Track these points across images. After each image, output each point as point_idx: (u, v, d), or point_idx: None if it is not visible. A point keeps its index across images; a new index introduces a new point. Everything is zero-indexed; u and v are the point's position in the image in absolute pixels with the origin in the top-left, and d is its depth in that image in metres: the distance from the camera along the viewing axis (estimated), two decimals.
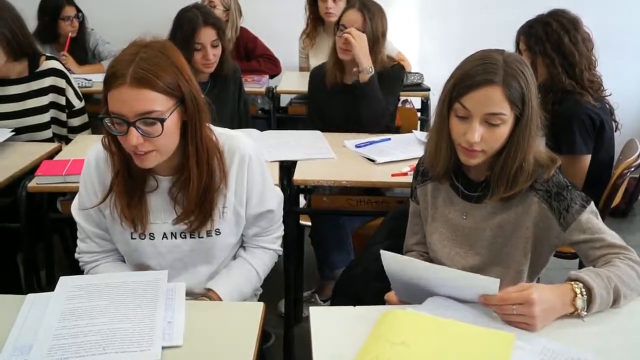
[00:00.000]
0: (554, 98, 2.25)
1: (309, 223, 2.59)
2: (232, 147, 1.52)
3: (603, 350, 1.16)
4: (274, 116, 3.39)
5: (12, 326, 1.24)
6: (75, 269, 1.66)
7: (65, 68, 2.60)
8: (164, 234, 1.54)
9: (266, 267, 1.68)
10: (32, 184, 2.02)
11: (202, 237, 1.55)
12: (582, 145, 2.21)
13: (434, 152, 1.50)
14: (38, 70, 2.46)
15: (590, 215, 1.39)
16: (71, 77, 2.58)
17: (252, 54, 3.72)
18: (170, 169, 1.49)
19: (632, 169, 2.18)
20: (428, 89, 3.37)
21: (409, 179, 1.85)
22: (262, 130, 2.62)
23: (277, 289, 2.33)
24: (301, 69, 3.83)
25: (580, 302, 1.23)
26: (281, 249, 1.73)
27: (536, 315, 1.19)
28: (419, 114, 3.36)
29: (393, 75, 2.58)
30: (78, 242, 1.62)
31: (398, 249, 1.70)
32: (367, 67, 2.45)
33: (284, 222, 1.74)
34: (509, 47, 2.21)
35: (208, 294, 1.55)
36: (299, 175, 2.12)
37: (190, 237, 1.55)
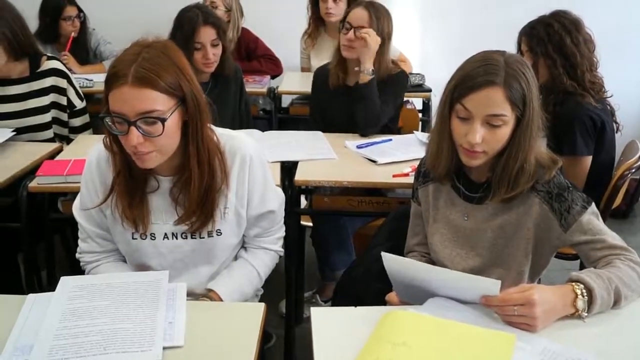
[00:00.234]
0: (555, 99, 2.25)
1: (310, 224, 2.59)
2: (233, 148, 1.52)
3: (603, 351, 1.16)
4: (275, 117, 3.39)
5: (13, 326, 1.24)
6: (76, 269, 1.66)
7: (67, 68, 2.60)
8: (165, 234, 1.54)
9: (267, 267, 1.68)
10: (33, 184, 2.02)
11: (203, 238, 1.55)
12: (583, 146, 2.21)
13: (436, 153, 1.50)
14: (39, 70, 2.47)
15: (591, 217, 1.39)
16: (72, 77, 2.58)
17: (253, 54, 3.72)
18: (171, 170, 1.49)
19: (633, 170, 2.18)
20: (429, 90, 3.37)
21: (410, 179, 1.85)
22: (263, 130, 2.62)
23: (278, 290, 2.33)
24: (302, 70, 3.83)
25: (581, 303, 1.23)
26: (282, 249, 1.73)
27: (537, 316, 1.19)
28: (420, 114, 3.36)
29: (396, 82, 2.56)
30: (79, 242, 1.62)
31: (399, 249, 1.70)
32: (368, 68, 2.45)
33: (285, 222, 1.74)
34: (510, 47, 2.21)
35: (209, 295, 1.55)
36: (300, 175, 2.12)
37: (192, 238, 1.55)
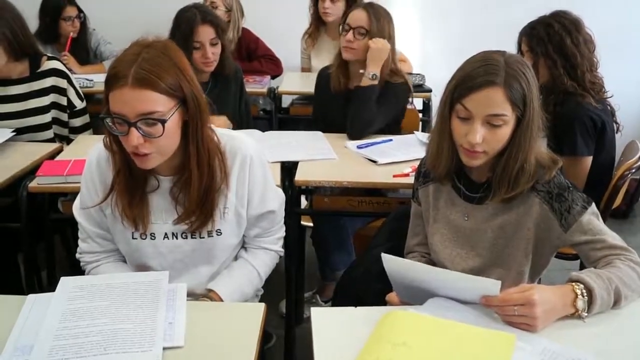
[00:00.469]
0: (556, 99, 2.25)
1: (311, 224, 2.59)
2: (233, 148, 1.52)
3: (603, 351, 1.16)
4: (276, 117, 3.39)
5: (13, 326, 1.23)
6: (76, 269, 1.66)
7: (67, 68, 2.60)
8: (165, 234, 1.54)
9: (267, 267, 1.68)
10: (33, 184, 2.02)
11: (203, 238, 1.55)
12: (583, 146, 2.21)
13: (436, 153, 1.50)
14: (39, 70, 2.47)
15: (592, 217, 1.39)
16: (72, 77, 2.58)
17: (253, 54, 3.72)
18: (171, 169, 1.49)
19: (633, 171, 2.18)
20: (429, 90, 3.37)
21: (410, 180, 1.85)
22: (263, 130, 2.62)
23: (278, 290, 2.33)
24: (303, 70, 3.84)
25: (580, 303, 1.23)
26: (282, 249, 1.73)
27: (537, 316, 1.19)
28: (420, 115, 3.35)
29: (398, 93, 2.52)
30: (79, 242, 1.62)
31: (399, 250, 1.70)
32: (370, 72, 2.43)
33: (285, 222, 1.74)
34: (510, 47, 2.21)
35: (209, 295, 1.55)
36: (300, 176, 2.12)
37: (191, 238, 1.55)
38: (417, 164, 1.73)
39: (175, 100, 1.35)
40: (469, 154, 1.40)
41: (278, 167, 2.18)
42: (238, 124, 2.60)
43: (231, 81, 2.64)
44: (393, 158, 2.24)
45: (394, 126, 2.62)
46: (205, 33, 2.44)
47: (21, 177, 2.11)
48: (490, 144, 1.37)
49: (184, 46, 2.22)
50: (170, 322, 1.25)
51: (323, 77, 2.68)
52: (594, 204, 1.41)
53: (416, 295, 1.33)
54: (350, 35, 2.45)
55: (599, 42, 2.31)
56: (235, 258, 1.68)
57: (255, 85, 3.39)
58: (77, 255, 1.64)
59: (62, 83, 2.49)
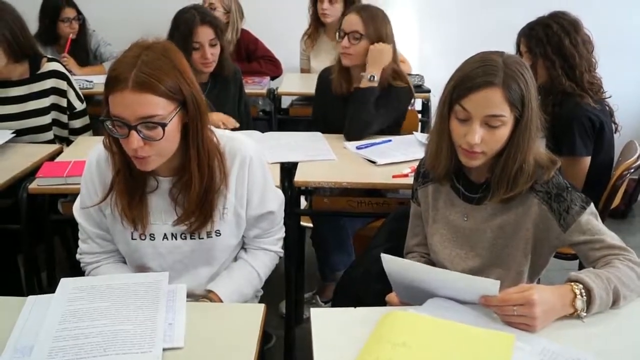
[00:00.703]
0: (554, 100, 2.25)
1: (310, 224, 2.60)
2: (233, 149, 1.53)
3: (603, 351, 1.16)
4: (275, 118, 3.39)
5: (13, 328, 1.24)
6: (76, 270, 1.67)
7: (67, 70, 2.60)
8: (165, 234, 1.54)
9: (267, 268, 1.68)
10: (33, 185, 2.03)
11: (203, 238, 1.55)
12: (582, 147, 2.21)
13: (435, 154, 1.50)
14: (39, 72, 2.47)
15: (590, 217, 1.39)
16: (72, 78, 2.59)
17: (253, 55, 3.73)
18: (170, 170, 1.49)
19: (632, 171, 2.18)
20: (428, 91, 3.37)
21: (409, 180, 1.85)
22: (263, 131, 2.63)
23: (278, 290, 2.33)
24: (302, 71, 3.84)
25: (579, 303, 1.23)
26: (282, 250, 1.73)
27: (537, 316, 1.19)
28: (419, 115, 3.36)
29: (400, 97, 2.51)
30: (79, 242, 1.63)
31: (399, 250, 1.71)
32: (368, 74, 2.41)
33: (285, 223, 1.74)
34: (509, 48, 2.22)
35: (209, 296, 1.55)
36: (299, 176, 2.12)
37: (191, 238, 1.55)
38: (416, 164, 1.73)
39: (175, 103, 1.36)
40: (468, 154, 1.40)
41: (278, 167, 2.18)
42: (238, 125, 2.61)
43: (230, 82, 2.64)
44: (392, 158, 2.24)
45: (394, 128, 2.62)
46: (205, 34, 2.44)
47: (21, 179, 2.11)
48: (488, 144, 1.38)
49: (182, 47, 2.22)
50: (170, 323, 1.25)
51: (324, 79, 2.67)
52: (592, 204, 1.41)
53: (416, 296, 1.33)
54: (345, 41, 2.44)
55: (597, 43, 2.31)
56: (235, 259, 1.68)
57: (255, 86, 3.39)
58: (77, 256, 1.64)
59: (62, 85, 2.50)
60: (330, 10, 3.46)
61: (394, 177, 2.10)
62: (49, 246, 2.27)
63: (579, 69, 2.23)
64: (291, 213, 2.06)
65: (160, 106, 1.32)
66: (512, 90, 1.34)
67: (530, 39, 2.30)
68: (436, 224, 1.58)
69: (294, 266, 2.31)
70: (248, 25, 3.75)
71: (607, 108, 2.32)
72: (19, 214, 2.04)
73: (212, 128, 1.48)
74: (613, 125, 2.33)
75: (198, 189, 1.46)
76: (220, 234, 1.55)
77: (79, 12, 3.66)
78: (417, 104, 3.52)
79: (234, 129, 2.34)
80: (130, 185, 1.47)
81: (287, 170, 2.20)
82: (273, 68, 3.72)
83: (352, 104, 2.45)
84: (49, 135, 2.52)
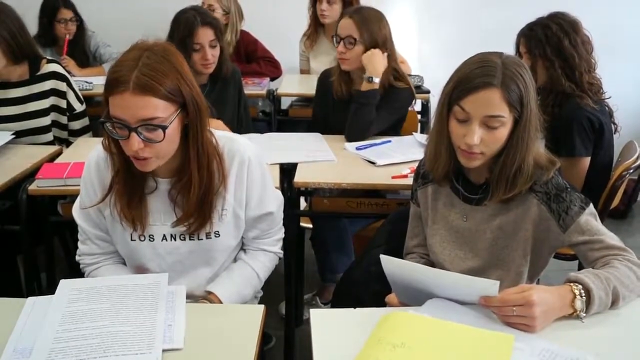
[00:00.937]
0: (554, 101, 2.26)
1: (310, 225, 2.60)
2: (232, 150, 1.53)
3: (602, 351, 1.16)
4: (275, 119, 3.39)
5: (13, 329, 1.24)
6: (76, 271, 1.67)
7: (66, 71, 2.60)
8: (164, 235, 1.54)
9: (267, 269, 1.68)
10: (33, 186, 2.03)
11: (201, 239, 1.55)
12: (581, 147, 2.21)
13: (434, 155, 1.50)
14: (39, 73, 2.47)
15: (589, 217, 1.39)
16: (72, 80, 2.59)
17: (252, 56, 3.73)
18: (170, 172, 1.49)
19: (631, 171, 2.18)
20: (428, 91, 3.37)
21: (409, 181, 1.85)
22: (262, 132, 2.63)
23: (277, 291, 2.33)
24: (302, 72, 3.85)
25: (579, 304, 1.23)
26: (282, 251, 1.73)
27: (536, 317, 1.19)
28: (419, 116, 3.36)
29: (397, 97, 2.50)
30: (79, 244, 1.63)
31: (398, 251, 1.71)
32: (367, 76, 2.41)
33: (284, 224, 1.74)
34: (508, 49, 2.22)
35: (208, 297, 1.55)
36: (299, 177, 2.13)
37: (190, 239, 1.55)
38: (415, 165, 1.73)
39: (175, 105, 1.36)
40: (467, 155, 1.40)
41: (277, 168, 2.18)
42: (237, 126, 2.61)
43: (229, 83, 2.64)
44: (392, 159, 2.24)
45: (395, 128, 2.62)
46: (205, 35, 2.44)
47: (21, 180, 2.11)
48: (488, 145, 1.38)
49: (182, 48, 2.24)
50: (170, 324, 1.25)
51: (324, 81, 2.67)
52: (591, 205, 1.41)
53: (415, 297, 1.33)
54: (341, 46, 2.44)
55: (596, 44, 2.31)
56: (235, 260, 1.68)
57: (254, 87, 3.40)
58: (77, 258, 1.64)
59: (62, 86, 2.50)
60: (329, 11, 3.46)
61: (393, 177, 2.10)
62: (49, 247, 2.27)
63: (579, 69, 2.23)
64: (291, 214, 2.06)
65: (160, 108, 1.32)
66: (511, 90, 1.34)
67: (530, 40, 2.30)
68: (436, 225, 1.58)
69: (293, 267, 2.31)
70: (247, 26, 3.76)
71: (607, 108, 2.32)
72: (19, 215, 2.04)
73: (212, 129, 1.48)
74: (612, 126, 2.33)
75: (197, 190, 1.46)
76: (219, 235, 1.56)
77: (76, 14, 3.66)
78: (417, 105, 3.51)
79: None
80: (129, 186, 1.47)
81: (287, 171, 2.20)
82: (272, 69, 3.73)
83: (353, 106, 2.45)
84: (49, 136, 2.52)
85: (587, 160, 2.26)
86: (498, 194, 1.43)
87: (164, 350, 1.18)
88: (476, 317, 1.25)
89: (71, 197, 2.06)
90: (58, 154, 2.36)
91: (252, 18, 3.78)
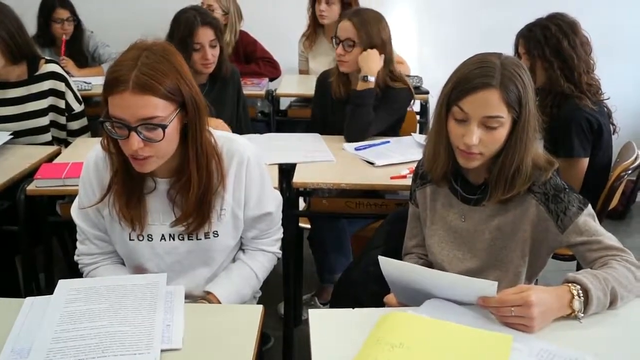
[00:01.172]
0: (553, 101, 2.26)
1: (309, 226, 2.60)
2: (231, 150, 1.53)
3: (600, 351, 1.16)
4: (274, 119, 3.39)
5: (11, 329, 1.24)
6: (74, 272, 1.66)
7: (65, 71, 2.60)
8: (162, 235, 1.54)
9: (265, 269, 1.68)
10: (31, 186, 2.03)
11: (200, 239, 1.55)
12: (580, 148, 2.22)
13: (433, 155, 1.50)
14: (37, 73, 2.47)
15: (588, 218, 1.39)
16: (70, 80, 2.59)
17: (251, 57, 3.73)
18: (168, 172, 1.49)
19: (629, 172, 2.18)
20: (427, 92, 3.38)
21: (408, 181, 1.85)
22: (261, 133, 2.63)
23: (276, 292, 2.33)
24: (301, 72, 3.85)
25: (577, 304, 1.23)
26: (280, 251, 1.73)
27: (534, 317, 1.19)
28: (418, 117, 3.36)
29: (396, 98, 2.50)
30: (77, 244, 1.62)
31: (397, 251, 1.71)
32: (362, 75, 2.41)
33: (283, 224, 1.74)
34: (507, 49, 2.22)
35: (207, 297, 1.55)
36: (298, 177, 2.13)
37: (188, 239, 1.55)
38: (414, 165, 1.73)
39: (175, 104, 1.36)
40: (466, 155, 1.40)
41: (276, 169, 2.18)
42: (236, 126, 2.61)
43: (228, 83, 2.65)
44: (390, 160, 2.24)
45: (395, 129, 2.62)
46: (206, 35, 2.44)
47: (19, 180, 2.11)
48: (486, 145, 1.38)
49: (182, 48, 2.24)
50: (168, 324, 1.25)
51: (324, 81, 2.67)
52: (590, 205, 1.42)
53: (414, 297, 1.34)
54: (340, 49, 2.44)
55: (595, 44, 2.32)
56: (233, 260, 1.68)
57: (253, 88, 3.40)
58: (75, 258, 1.64)
59: (60, 86, 2.50)
60: (328, 11, 3.47)
61: (392, 178, 2.10)
62: (47, 247, 2.27)
63: (577, 70, 2.24)
64: (289, 214, 2.06)
65: (160, 107, 1.32)
66: (509, 91, 1.34)
67: (529, 41, 2.30)
68: (434, 225, 1.58)
69: (292, 267, 2.31)
70: (246, 26, 3.76)
71: (605, 109, 2.33)
72: (17, 216, 2.04)
73: (211, 129, 1.48)
74: (611, 127, 2.34)
75: (196, 190, 1.46)
76: (217, 235, 1.55)
77: (73, 14, 3.65)
78: (416, 105, 3.51)
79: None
80: (128, 186, 1.47)
81: (286, 171, 2.20)
82: (271, 69, 3.73)
83: (349, 107, 2.45)
84: (47, 136, 2.52)
85: (585, 161, 2.26)
86: (496, 195, 1.43)
87: (162, 351, 1.18)
88: (475, 317, 1.25)
89: (70, 197, 2.05)
90: (57, 154, 2.36)
91: (251, 18, 3.78)
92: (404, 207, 1.78)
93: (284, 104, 3.62)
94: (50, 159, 2.29)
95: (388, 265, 1.33)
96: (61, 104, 2.51)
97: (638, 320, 1.28)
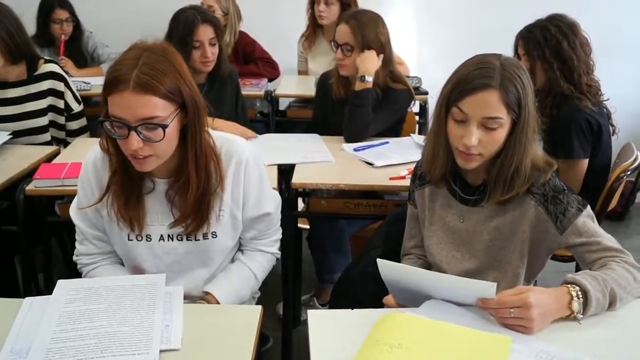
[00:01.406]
0: (552, 102, 2.26)
1: (308, 226, 2.60)
2: (229, 151, 1.53)
3: (599, 352, 1.16)
4: (273, 119, 3.39)
5: (10, 329, 1.23)
6: (73, 272, 1.66)
7: (64, 71, 2.60)
8: (161, 235, 1.54)
9: (264, 270, 1.68)
10: (30, 187, 2.03)
11: (199, 240, 1.55)
12: (579, 149, 2.22)
13: (432, 156, 1.50)
14: (37, 73, 2.47)
15: (587, 219, 1.39)
16: (70, 80, 2.58)
17: (250, 57, 3.73)
18: (167, 172, 1.49)
19: (629, 173, 2.18)
20: (426, 93, 3.38)
21: (407, 182, 1.85)
22: (260, 133, 2.63)
23: (275, 292, 2.33)
24: (300, 72, 3.85)
25: (576, 305, 1.23)
26: (279, 252, 1.73)
27: (533, 318, 1.19)
28: (417, 117, 3.36)
29: (396, 99, 2.50)
30: (76, 244, 1.62)
31: (396, 252, 1.71)
32: (360, 75, 2.41)
33: (282, 225, 1.74)
34: (507, 50, 2.22)
35: (206, 297, 1.55)
36: (297, 178, 2.13)
37: (187, 240, 1.55)
38: (413, 166, 1.73)
39: (175, 104, 1.36)
40: (465, 156, 1.40)
41: (275, 169, 2.18)
42: None
43: (227, 83, 2.65)
44: (389, 160, 2.24)
45: (395, 130, 2.62)
46: (206, 32, 2.44)
47: (18, 180, 2.11)
48: (485, 146, 1.38)
49: (182, 46, 2.24)
50: (167, 324, 1.25)
51: (324, 83, 2.67)
52: (589, 207, 1.42)
53: (412, 298, 1.34)
54: (339, 53, 2.45)
55: (595, 45, 2.32)
56: (232, 260, 1.68)
57: (252, 88, 3.39)
58: (74, 258, 1.64)
59: (59, 86, 2.50)
60: (327, 12, 3.47)
61: (391, 179, 2.10)
62: (46, 248, 2.27)
63: (577, 71, 2.24)
64: (288, 215, 2.06)
65: (160, 107, 1.32)
66: (509, 92, 1.34)
67: (528, 42, 2.31)
68: (433, 226, 1.58)
69: (291, 268, 2.31)
70: (246, 27, 3.76)
71: (605, 110, 2.33)
72: (16, 216, 2.04)
73: (209, 130, 1.48)
74: (610, 128, 2.34)
75: (195, 191, 1.46)
76: (216, 236, 1.55)
77: (72, 14, 3.65)
78: (415, 106, 3.50)
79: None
80: (126, 186, 1.47)
81: (285, 172, 2.20)
82: (270, 70, 3.72)
83: (349, 107, 2.45)
84: (47, 136, 2.52)
85: (585, 162, 2.26)
86: (495, 196, 1.43)
87: (161, 351, 1.18)
88: (474, 318, 1.25)
89: (69, 198, 2.05)
90: (56, 154, 2.36)
91: (250, 19, 3.77)
92: (403, 207, 1.78)
93: (283, 104, 3.62)
94: (49, 159, 2.29)
95: (386, 267, 1.33)
96: (60, 104, 2.51)
97: (637, 322, 1.28)
